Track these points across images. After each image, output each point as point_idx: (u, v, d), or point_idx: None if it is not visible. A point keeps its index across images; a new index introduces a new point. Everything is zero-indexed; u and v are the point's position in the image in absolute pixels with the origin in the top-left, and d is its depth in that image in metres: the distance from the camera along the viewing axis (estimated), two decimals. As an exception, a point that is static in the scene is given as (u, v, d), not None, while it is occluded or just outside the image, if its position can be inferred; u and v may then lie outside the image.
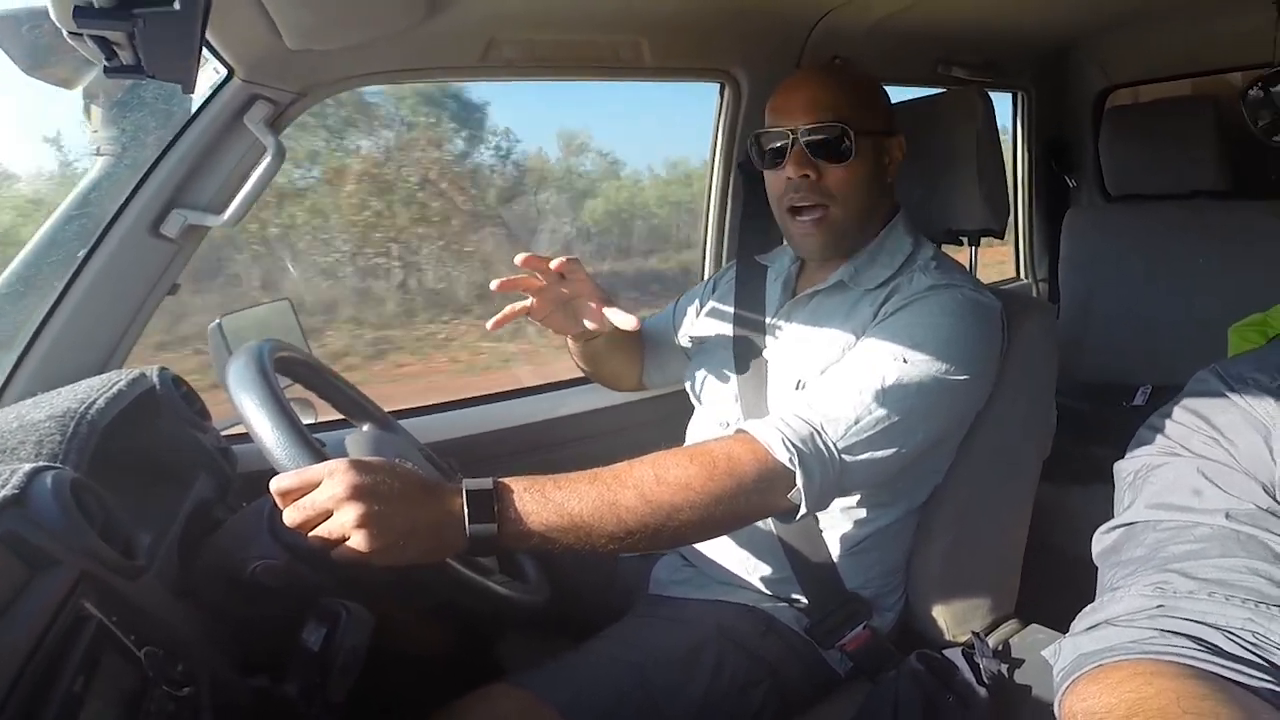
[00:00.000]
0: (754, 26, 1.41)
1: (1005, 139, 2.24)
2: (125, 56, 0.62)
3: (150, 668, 0.63)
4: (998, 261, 2.50)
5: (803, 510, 0.92)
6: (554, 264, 1.07)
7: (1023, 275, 2.37)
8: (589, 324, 1.14)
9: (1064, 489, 1.49)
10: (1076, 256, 2.04)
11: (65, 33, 0.61)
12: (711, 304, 1.28)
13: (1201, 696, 0.45)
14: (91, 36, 0.60)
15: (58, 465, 0.73)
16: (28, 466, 0.70)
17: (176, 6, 0.52)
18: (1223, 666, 0.47)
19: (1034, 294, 2.30)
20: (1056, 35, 1.98)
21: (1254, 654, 0.48)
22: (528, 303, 1.10)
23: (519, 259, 1.06)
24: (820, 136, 1.04)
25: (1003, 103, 2.19)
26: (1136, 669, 0.49)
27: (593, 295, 1.12)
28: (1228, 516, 0.55)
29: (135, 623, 0.65)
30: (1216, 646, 0.49)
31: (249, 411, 0.84)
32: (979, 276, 1.27)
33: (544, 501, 0.82)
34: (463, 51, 1.28)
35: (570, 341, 1.25)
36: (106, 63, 0.63)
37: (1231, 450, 0.58)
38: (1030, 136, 2.20)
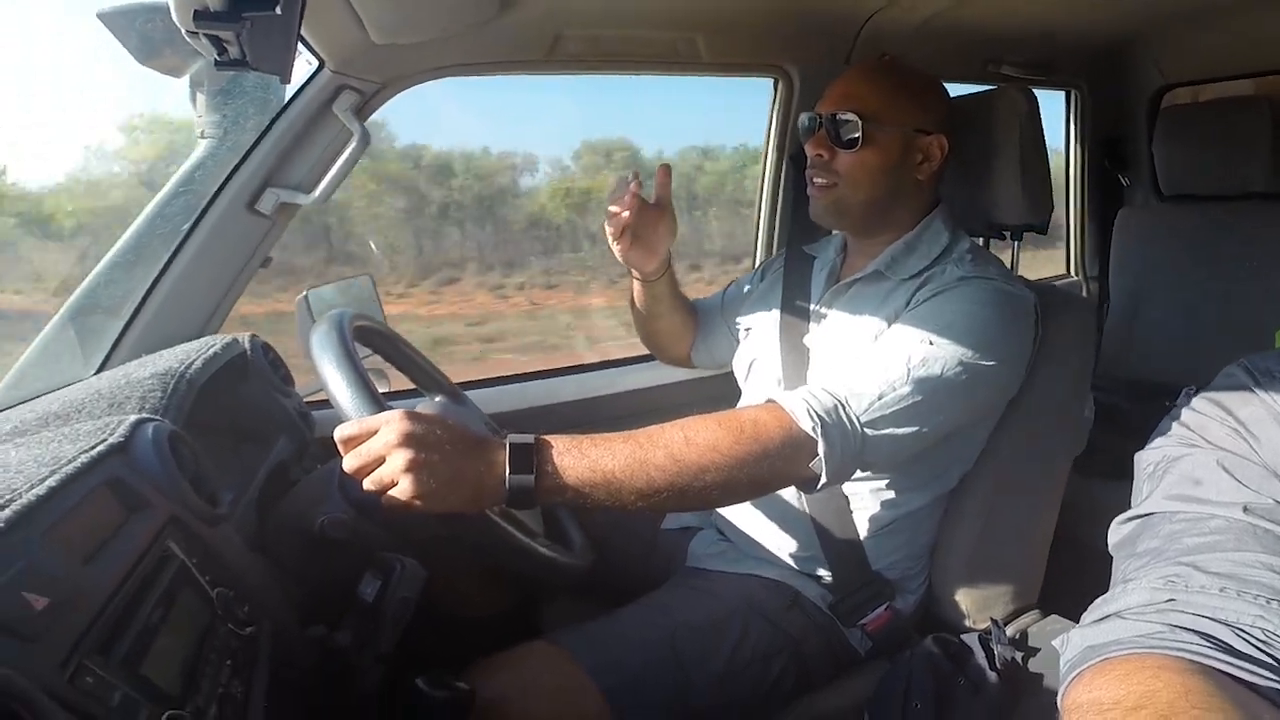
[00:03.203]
0: (806, 24, 1.41)
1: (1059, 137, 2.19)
2: (233, 51, 0.67)
3: (220, 607, 0.66)
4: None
5: (823, 480, 0.91)
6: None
7: (1073, 273, 2.30)
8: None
9: (1098, 484, 1.45)
10: (1127, 256, 1.97)
11: (184, 31, 0.66)
12: (760, 291, 1.30)
13: (1209, 694, 0.43)
14: (206, 35, 0.64)
15: (158, 418, 0.77)
16: (133, 418, 0.74)
17: (278, 11, 0.57)
18: (1230, 664, 0.45)
19: (1084, 292, 2.23)
20: (1110, 34, 1.90)
21: (1263, 652, 0.46)
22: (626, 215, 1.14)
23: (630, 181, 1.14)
24: (836, 123, 1.07)
25: (1057, 101, 2.14)
26: (1143, 663, 0.47)
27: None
28: (1245, 510, 0.52)
29: (211, 566, 0.69)
30: (1225, 643, 0.47)
31: (325, 368, 0.87)
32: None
33: (580, 457, 0.83)
34: (531, 46, 1.31)
35: (635, 284, 1.28)
36: (218, 57, 0.68)
37: (1253, 444, 0.56)
38: (1083, 135, 2.13)
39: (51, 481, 0.60)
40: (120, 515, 0.64)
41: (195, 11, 0.60)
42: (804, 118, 1.12)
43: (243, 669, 0.65)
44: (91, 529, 0.60)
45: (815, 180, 1.11)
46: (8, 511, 0.54)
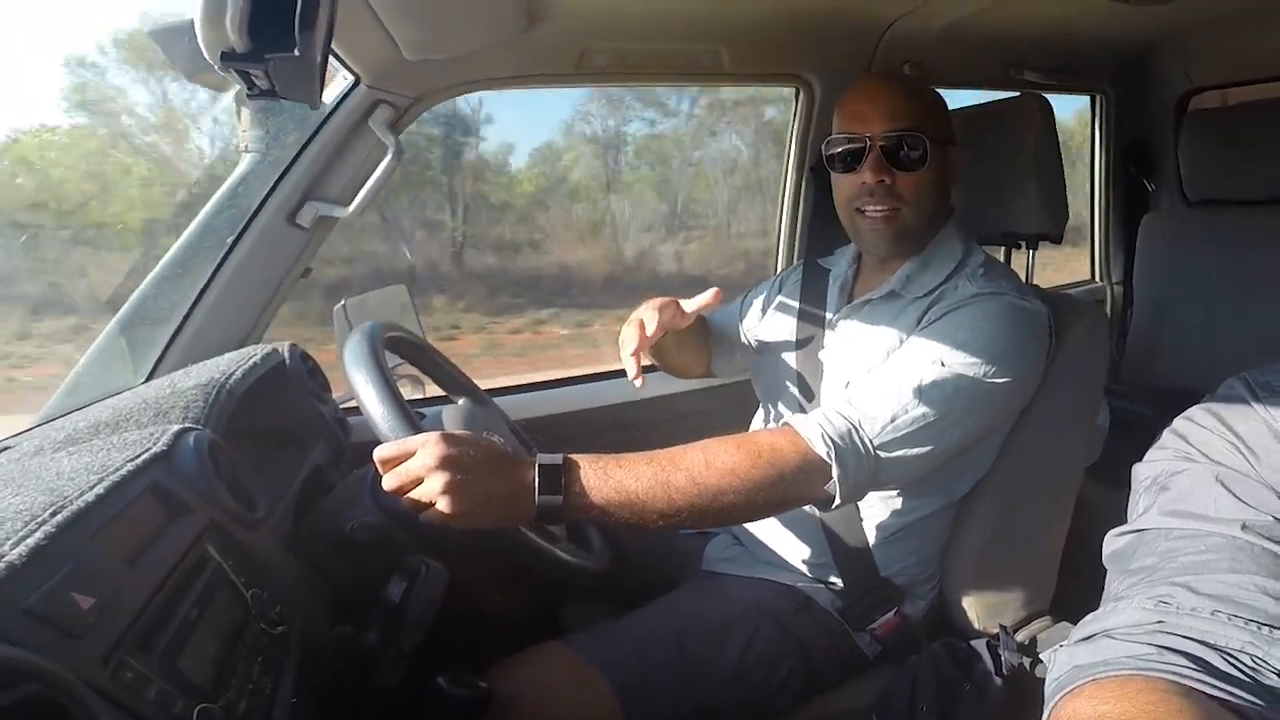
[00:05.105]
0: (826, 33, 1.38)
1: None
2: (262, 84, 0.70)
3: (254, 607, 0.68)
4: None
5: (838, 501, 0.92)
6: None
7: (1097, 278, 2.23)
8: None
9: (1117, 492, 1.41)
10: (1152, 261, 1.89)
11: (216, 65, 0.68)
12: (778, 302, 1.28)
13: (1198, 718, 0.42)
14: (235, 70, 0.67)
15: (199, 427, 0.79)
16: (176, 427, 0.77)
17: (297, 53, 0.60)
18: (1218, 689, 0.44)
19: (1108, 297, 2.17)
20: (1135, 38, 1.82)
21: (1250, 678, 0.45)
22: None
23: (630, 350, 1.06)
24: (897, 143, 1.02)
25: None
26: (1134, 685, 0.46)
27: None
28: (1244, 528, 0.51)
29: (247, 567, 0.71)
30: (1213, 667, 0.46)
31: (359, 387, 0.88)
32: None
33: (605, 478, 0.84)
34: (559, 60, 1.31)
35: None
36: (249, 90, 0.71)
37: (1252, 460, 0.55)
38: (1108, 139, 2.06)
39: (99, 489, 0.63)
40: (162, 519, 0.67)
41: (222, 53, 0.63)
42: (845, 146, 1.05)
43: (272, 666, 0.67)
44: (135, 533, 0.62)
45: (875, 209, 1.04)
46: (58, 517, 0.56)
